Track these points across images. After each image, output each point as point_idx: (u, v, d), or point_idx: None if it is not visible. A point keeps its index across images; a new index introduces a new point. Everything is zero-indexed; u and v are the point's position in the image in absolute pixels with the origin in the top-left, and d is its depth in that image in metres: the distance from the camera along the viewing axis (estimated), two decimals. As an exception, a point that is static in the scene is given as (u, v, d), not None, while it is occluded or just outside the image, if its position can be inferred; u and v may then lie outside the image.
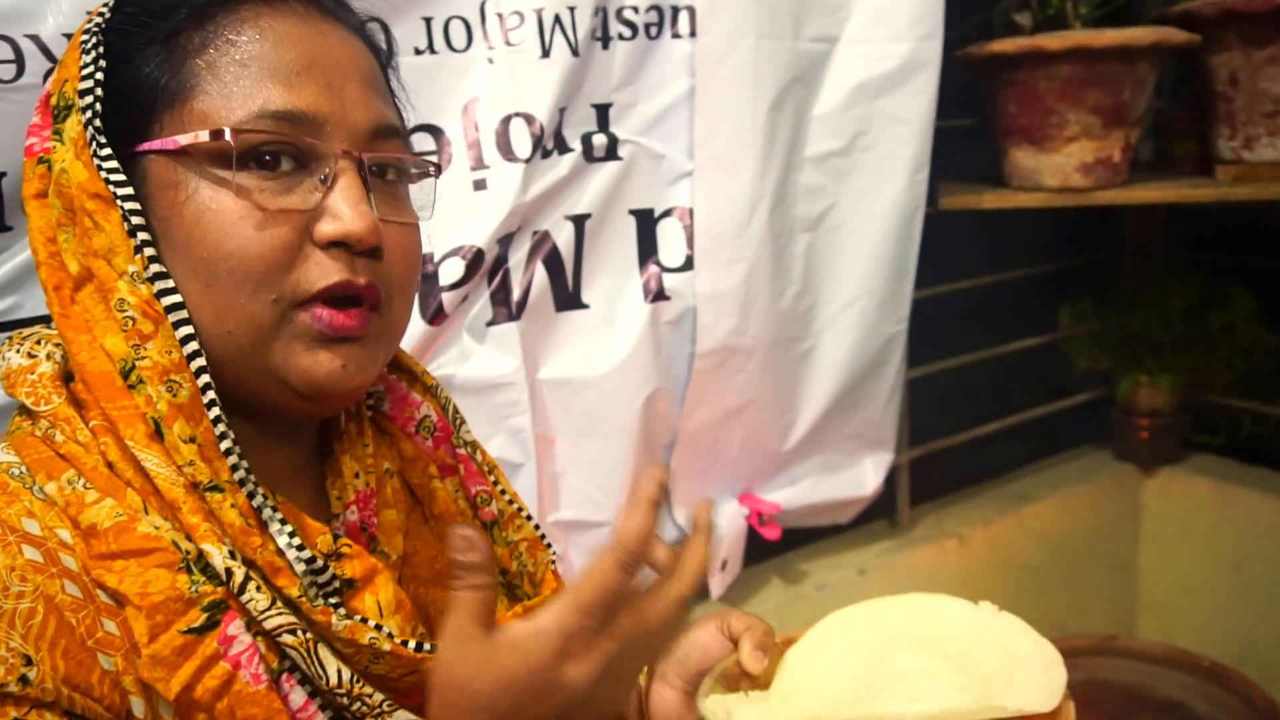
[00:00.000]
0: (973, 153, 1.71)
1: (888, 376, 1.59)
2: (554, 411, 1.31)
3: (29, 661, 0.51)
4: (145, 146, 0.59)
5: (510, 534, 0.77)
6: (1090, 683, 1.50)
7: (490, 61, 1.18)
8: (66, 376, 0.62)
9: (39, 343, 0.63)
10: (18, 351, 0.63)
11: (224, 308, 0.59)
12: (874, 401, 1.60)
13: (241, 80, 0.59)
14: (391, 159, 0.65)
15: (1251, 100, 1.54)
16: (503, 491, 0.78)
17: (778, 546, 1.62)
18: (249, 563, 0.57)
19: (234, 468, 0.58)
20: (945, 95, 1.45)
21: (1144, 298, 1.98)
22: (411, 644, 0.61)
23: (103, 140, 0.59)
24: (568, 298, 1.31)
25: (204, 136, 0.58)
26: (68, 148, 0.59)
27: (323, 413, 0.67)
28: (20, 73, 0.85)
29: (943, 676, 0.69)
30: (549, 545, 0.79)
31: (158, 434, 0.58)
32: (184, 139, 0.59)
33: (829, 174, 1.44)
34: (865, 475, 1.64)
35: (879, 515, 1.78)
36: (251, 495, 0.59)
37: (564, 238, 1.28)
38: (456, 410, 0.80)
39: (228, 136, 0.58)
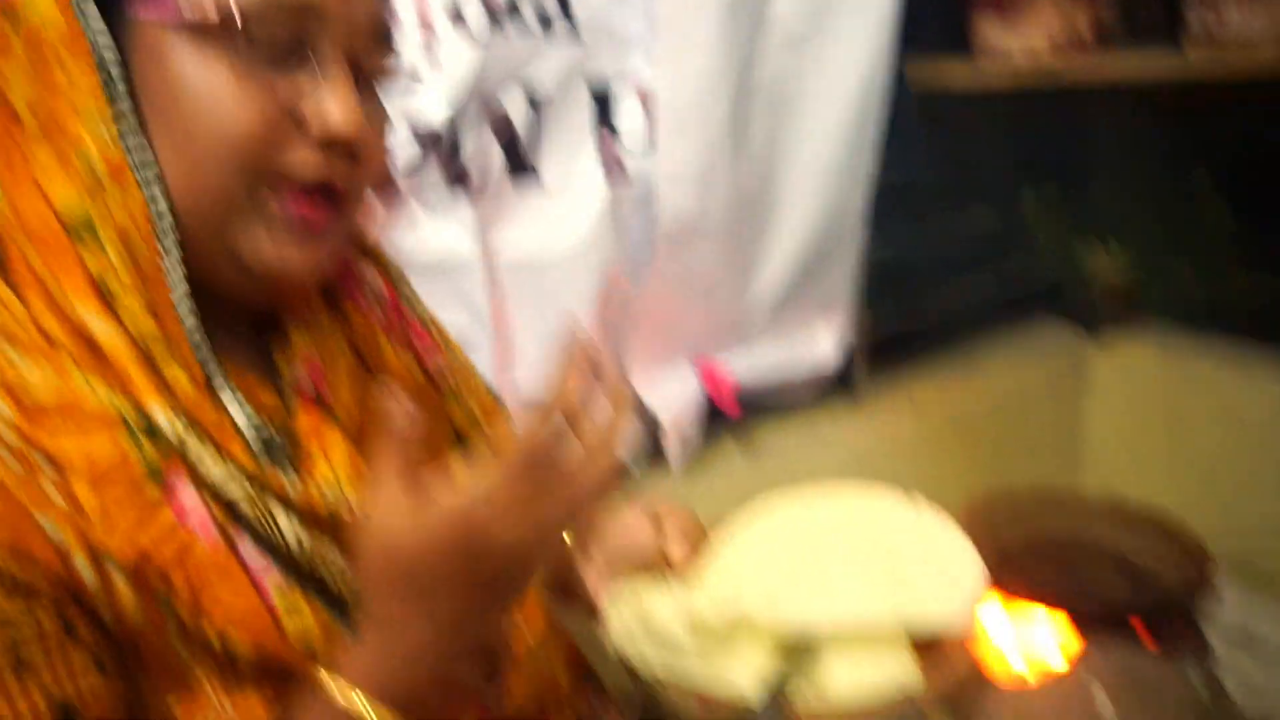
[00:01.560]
0: (938, 24, 1.65)
1: (847, 249, 1.61)
2: (511, 293, 1.32)
3: None
4: (139, 12, 0.57)
5: (465, 396, 0.77)
6: (1033, 534, 1.55)
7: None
8: None
9: None
10: None
11: (198, 178, 0.57)
12: (833, 272, 1.62)
13: None
14: (384, 65, 0.64)
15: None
16: (450, 347, 0.78)
17: (736, 422, 1.63)
18: (202, 432, 0.57)
19: (190, 332, 0.58)
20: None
21: (1101, 166, 1.96)
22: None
23: None
24: (524, 176, 1.29)
25: (211, 13, 0.56)
26: None
27: (270, 298, 0.66)
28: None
29: (865, 585, 0.69)
30: (503, 406, 0.79)
31: (102, 295, 0.56)
32: (188, 10, 0.56)
33: (792, 46, 1.43)
34: (822, 344, 1.67)
35: (837, 387, 1.79)
36: (205, 367, 0.59)
37: (517, 113, 1.26)
38: (401, 274, 0.79)
39: (236, 20, 0.56)
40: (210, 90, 0.57)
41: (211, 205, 0.58)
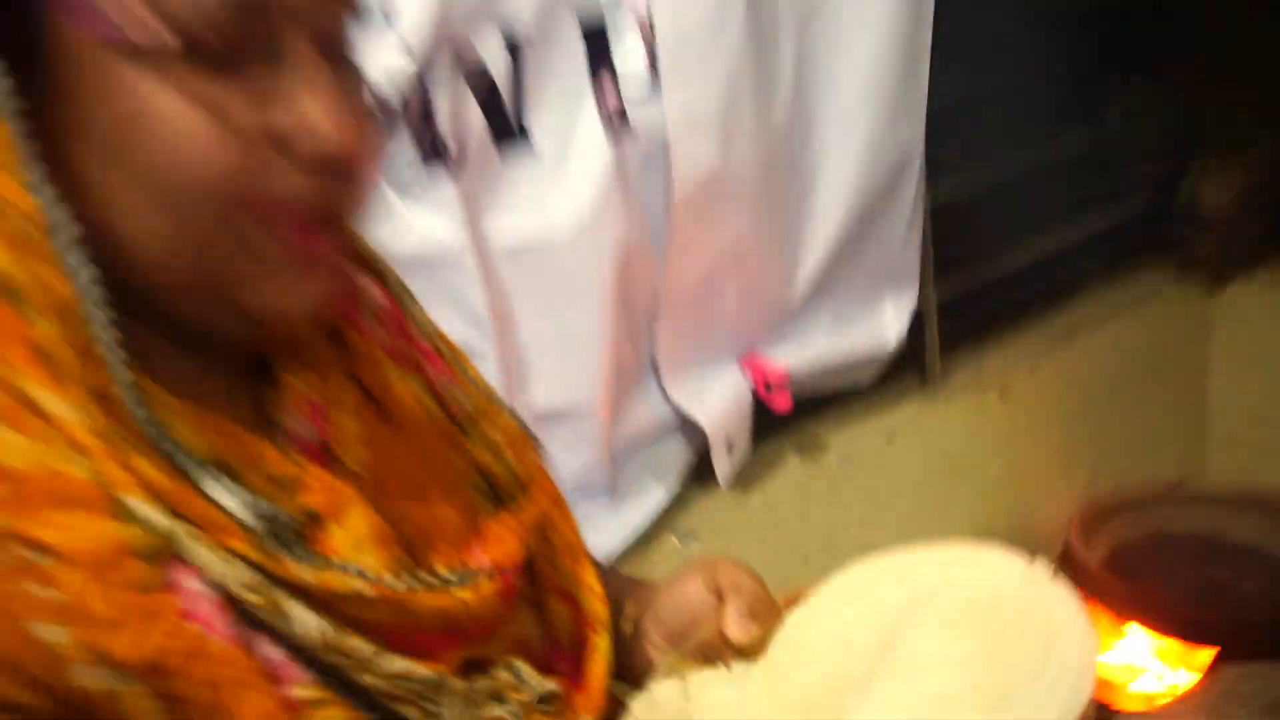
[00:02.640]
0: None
1: (905, 202, 1.58)
2: (509, 283, 1.29)
3: None
4: (60, 16, 0.54)
5: (488, 431, 0.76)
6: (1157, 534, 1.54)
7: None
8: None
9: None
10: None
11: (171, 227, 0.56)
12: (890, 234, 1.60)
13: None
14: (351, 29, 0.62)
15: None
16: (474, 380, 0.77)
17: (791, 415, 1.62)
18: (189, 525, 0.55)
19: (150, 436, 0.56)
20: None
21: (1210, 66, 1.94)
22: (397, 582, 0.60)
23: None
24: (510, 139, 1.27)
25: (161, 33, 0.53)
26: None
27: (280, 341, 0.66)
28: None
29: (955, 673, 0.66)
30: (535, 439, 0.78)
31: (48, 364, 0.54)
32: (119, 17, 0.53)
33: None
34: (887, 324, 1.66)
35: (906, 370, 1.79)
36: (173, 459, 0.57)
37: (495, 62, 1.23)
38: (401, 285, 0.78)
39: (190, 32, 0.54)
40: (170, 124, 0.54)
41: (195, 256, 0.57)
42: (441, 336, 0.79)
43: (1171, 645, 1.40)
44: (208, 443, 0.60)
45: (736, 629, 0.74)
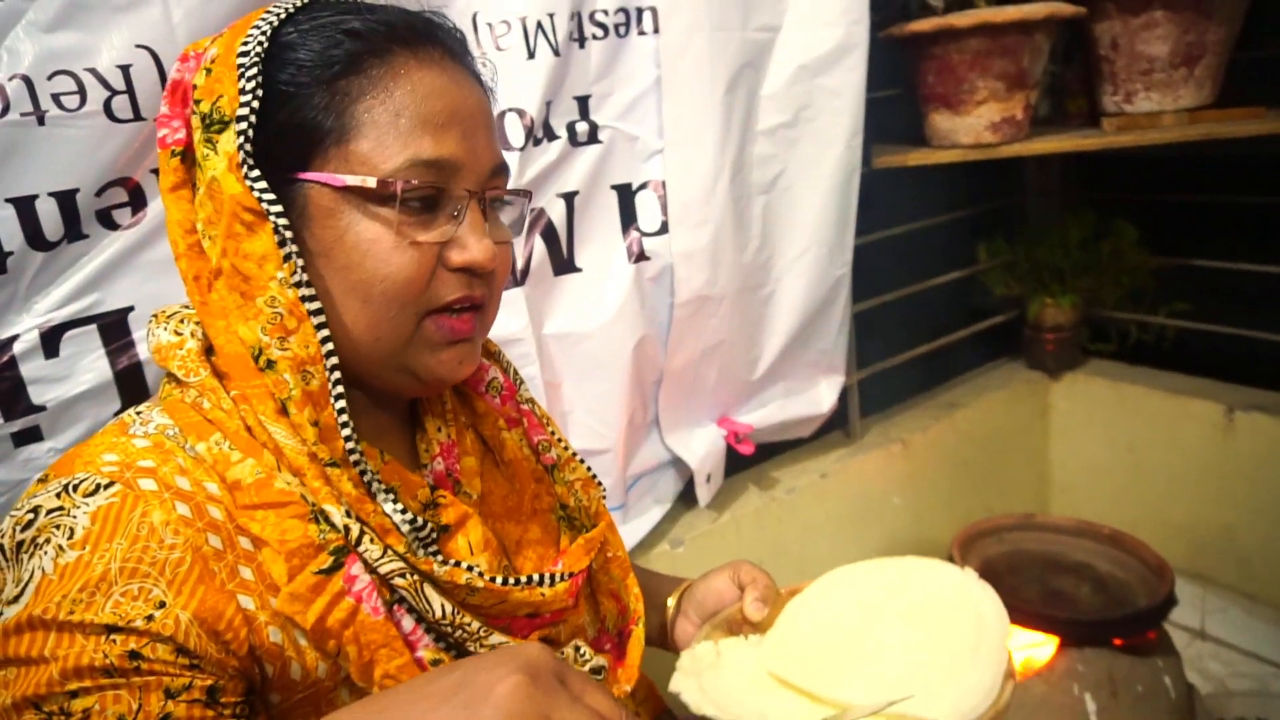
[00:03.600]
0: (899, 118, 1.68)
1: (837, 312, 1.58)
2: (559, 360, 1.31)
3: (162, 605, 0.51)
4: (309, 177, 0.58)
5: (568, 474, 0.76)
6: (1014, 553, 1.52)
7: (484, 65, 1.15)
8: (206, 352, 0.61)
9: (182, 322, 0.62)
10: (165, 329, 0.62)
11: (376, 320, 0.59)
12: (826, 333, 1.60)
13: (397, 128, 0.58)
14: (503, 194, 0.66)
15: (1130, 61, 1.52)
16: (560, 439, 0.77)
17: (752, 459, 1.62)
18: (363, 523, 0.57)
19: (350, 450, 0.58)
20: (874, 70, 1.43)
21: (1047, 232, 1.97)
22: (499, 580, 0.61)
23: (252, 163, 0.58)
24: (563, 263, 1.29)
25: (371, 182, 0.57)
26: (221, 159, 0.58)
27: (434, 393, 0.69)
28: (83, 102, 0.82)
29: (913, 651, 0.65)
30: (599, 483, 0.78)
31: (284, 411, 0.57)
32: (351, 179, 0.58)
33: (779, 144, 1.42)
34: (822, 395, 1.64)
35: (835, 428, 1.79)
36: (362, 471, 0.59)
37: (557, 213, 1.26)
38: (517, 373, 0.79)
39: (393, 184, 0.58)
40: (377, 248, 0.58)
41: (389, 339, 0.60)
42: (537, 406, 0.79)
43: (1027, 636, 1.39)
44: (385, 476, 0.62)
45: (753, 610, 0.74)
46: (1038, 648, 1.34)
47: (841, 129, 1.44)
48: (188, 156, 0.62)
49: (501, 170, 0.64)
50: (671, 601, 0.83)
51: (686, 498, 1.55)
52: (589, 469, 0.77)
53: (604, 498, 0.78)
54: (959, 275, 1.96)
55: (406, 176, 0.58)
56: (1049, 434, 2.07)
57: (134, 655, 0.50)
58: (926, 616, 0.69)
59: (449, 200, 0.61)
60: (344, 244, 0.58)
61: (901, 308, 1.82)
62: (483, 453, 0.73)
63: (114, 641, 0.50)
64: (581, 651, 0.68)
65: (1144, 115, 1.54)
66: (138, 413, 0.61)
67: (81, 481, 0.55)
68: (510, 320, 1.22)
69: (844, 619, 0.71)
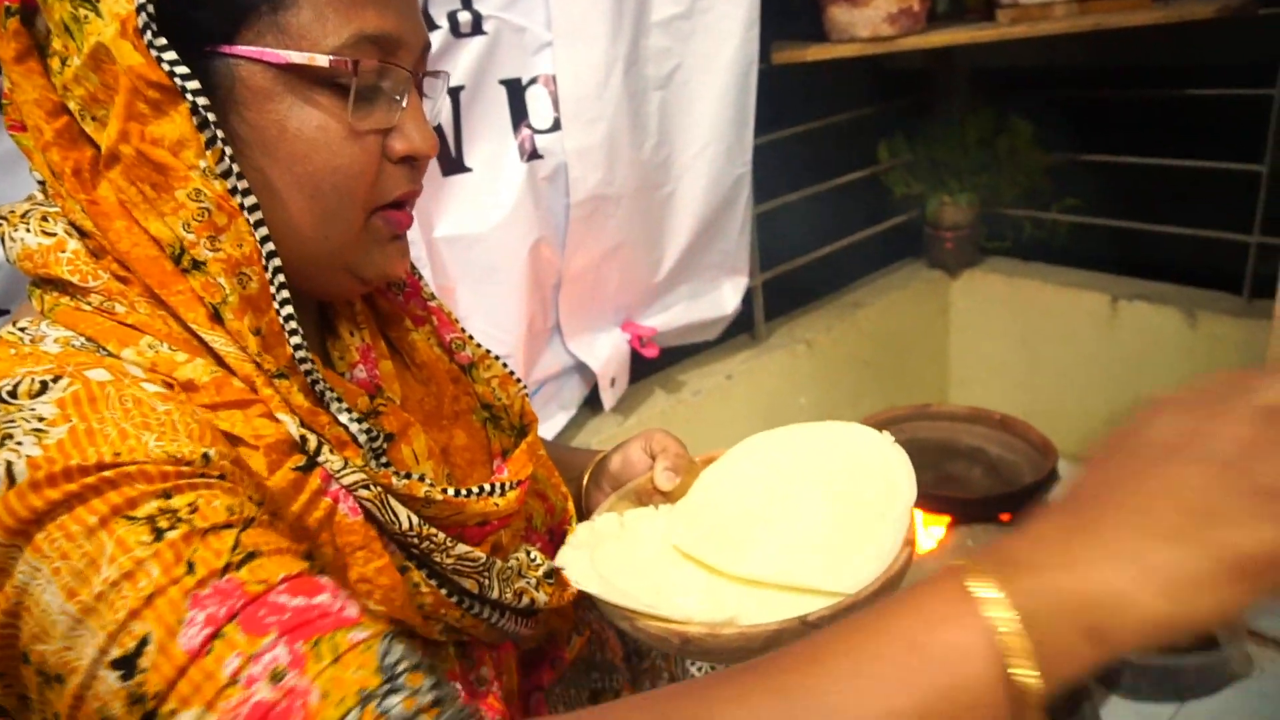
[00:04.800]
0: (798, 14, 1.63)
1: (738, 212, 1.56)
2: (451, 265, 1.26)
3: (205, 456, 0.46)
4: (239, 52, 0.50)
5: (484, 372, 0.72)
6: (910, 441, 1.55)
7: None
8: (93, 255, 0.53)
9: (45, 219, 0.52)
10: (26, 231, 0.52)
11: (325, 217, 0.53)
12: (728, 234, 1.58)
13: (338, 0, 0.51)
14: (435, 74, 0.61)
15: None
16: (471, 337, 0.74)
17: (657, 363, 1.61)
18: (319, 436, 0.53)
19: (301, 359, 0.53)
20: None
21: (946, 132, 1.97)
22: (452, 491, 0.59)
23: (157, 28, 0.48)
24: (452, 163, 1.24)
25: (321, 61, 0.50)
26: (109, 22, 0.48)
27: (360, 295, 0.64)
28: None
29: (821, 519, 0.63)
30: (518, 379, 0.74)
31: (217, 319, 0.51)
32: (296, 57, 0.50)
33: (674, 36, 1.37)
34: (725, 297, 1.63)
35: (740, 330, 1.78)
36: (314, 381, 0.54)
37: (443, 109, 1.19)
38: (415, 267, 0.75)
39: (344, 64, 0.51)
40: (324, 137, 0.52)
41: (339, 236, 0.54)
42: (441, 302, 0.75)
43: (922, 517, 1.42)
44: (330, 383, 0.57)
45: (663, 478, 0.72)
46: (931, 527, 1.37)
47: (737, 21, 1.39)
48: (29, 17, 0.52)
49: (429, 48, 0.59)
50: (588, 472, 0.80)
51: (592, 403, 1.54)
52: (505, 365, 0.73)
53: (525, 393, 0.74)
54: (860, 175, 1.95)
55: (352, 55, 0.51)
56: (948, 330, 2.11)
57: (205, 458, 0.45)
58: (839, 482, 0.66)
59: (392, 84, 0.54)
60: (286, 133, 0.51)
61: (804, 209, 1.81)
62: (399, 362, 0.69)
63: (176, 459, 0.44)
64: (533, 556, 0.66)
65: (1037, 6, 1.52)
66: (20, 329, 0.51)
67: (16, 384, 0.45)
68: (397, 223, 1.16)
69: (756, 487, 0.68)
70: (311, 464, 0.52)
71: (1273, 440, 0.34)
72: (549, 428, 1.44)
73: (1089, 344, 1.88)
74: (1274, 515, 0.33)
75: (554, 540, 0.74)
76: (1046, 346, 1.96)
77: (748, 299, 1.70)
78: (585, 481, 0.80)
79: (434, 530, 0.57)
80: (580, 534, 0.67)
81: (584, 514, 0.81)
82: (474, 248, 1.26)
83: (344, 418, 0.55)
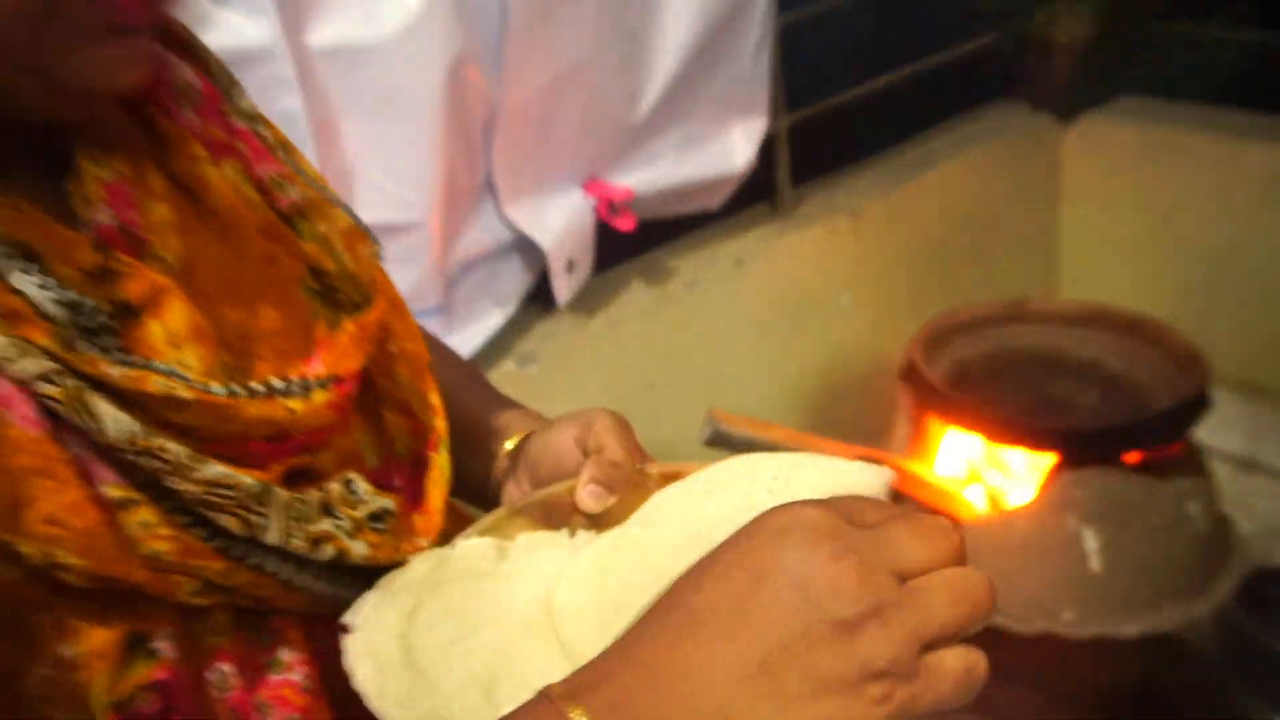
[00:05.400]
0: None
1: (753, 20, 1.55)
2: (332, 89, 1.25)
3: None
4: None
5: (320, 225, 0.71)
6: (998, 352, 1.56)
7: None
8: None
9: None
10: None
11: None
12: (738, 55, 1.57)
13: None
14: None
15: None
16: (306, 175, 0.72)
17: (637, 242, 1.61)
18: None
19: None
20: None
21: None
22: (220, 389, 0.58)
23: None
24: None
25: None
26: None
27: (85, 114, 0.62)
28: None
29: None
30: (373, 238, 0.72)
31: None
32: None
33: None
34: (734, 148, 1.63)
35: (756, 197, 1.77)
36: None
37: None
38: (223, 67, 0.73)
39: None
40: None
41: (9, 17, 0.52)
42: (269, 125, 0.74)
43: (1013, 455, 1.43)
44: (8, 230, 0.56)
45: (587, 496, 0.70)
46: (1025, 472, 1.39)
47: None
48: None
49: None
50: (510, 445, 0.81)
51: (541, 297, 1.54)
52: (357, 220, 0.72)
53: (379, 256, 0.73)
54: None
55: None
56: (1058, 198, 2.10)
57: None
58: None
59: None
60: None
61: (850, 21, 1.79)
62: (185, 205, 0.67)
63: None
64: (354, 488, 0.66)
65: None
66: None
67: None
68: (248, 25, 1.16)
69: (718, 534, 0.66)
70: None
71: (891, 620, 0.46)
72: (477, 330, 1.45)
73: (1258, 220, 1.88)
74: (873, 700, 0.45)
75: (417, 473, 0.73)
76: (1197, 223, 1.96)
77: (766, 152, 1.69)
78: (503, 466, 0.80)
79: (162, 443, 0.56)
80: (416, 568, 0.64)
81: (491, 501, 0.80)
82: (365, 65, 1.25)
83: (20, 278, 0.54)
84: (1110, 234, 2.08)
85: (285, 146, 0.74)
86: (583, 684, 0.49)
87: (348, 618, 0.60)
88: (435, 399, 0.75)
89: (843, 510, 0.50)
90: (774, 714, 0.46)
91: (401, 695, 0.57)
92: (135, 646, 0.55)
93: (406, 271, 1.34)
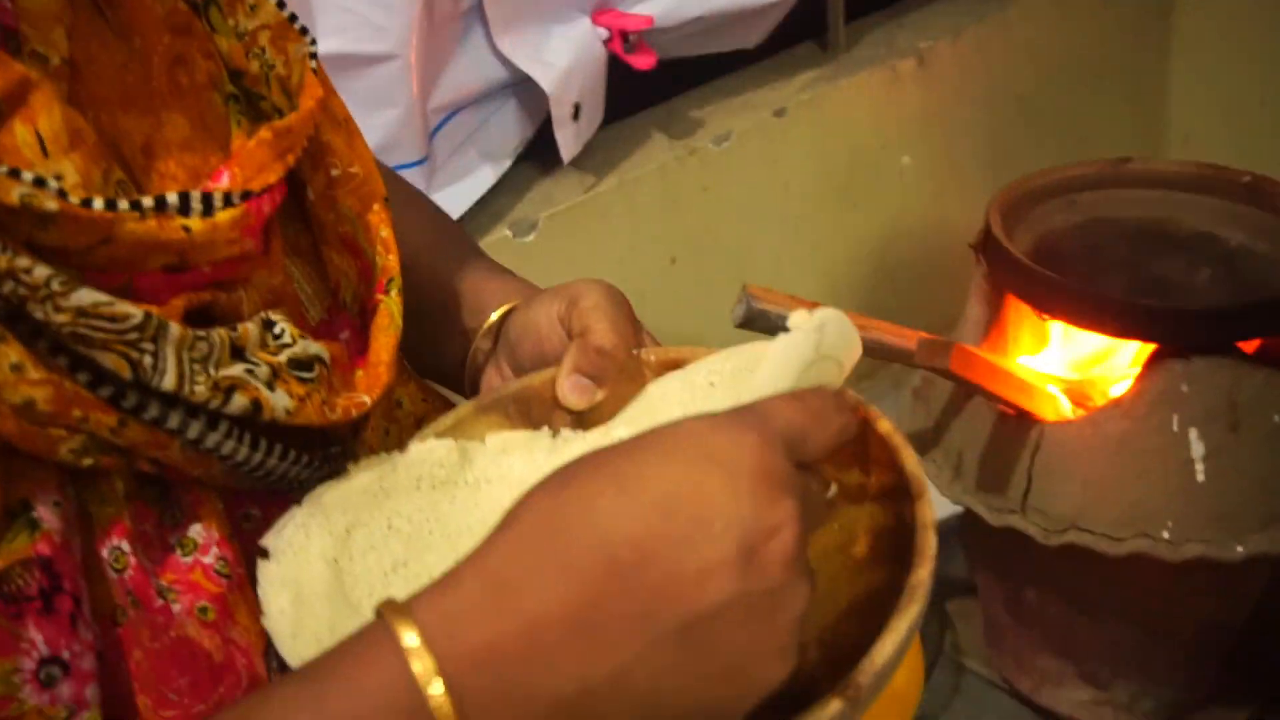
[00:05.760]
0: None
1: None
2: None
3: None
4: None
5: (242, 18, 0.71)
6: (1093, 223, 1.53)
7: None
8: None
9: None
10: None
11: None
12: None
13: None
14: None
15: None
16: None
17: (658, 85, 1.61)
18: None
19: None
20: None
21: None
22: (98, 203, 0.57)
23: None
24: None
25: None
26: None
27: None
28: None
29: None
30: (304, 30, 0.72)
31: None
32: None
33: None
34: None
35: (803, 34, 1.77)
36: None
37: None
38: None
39: None
40: None
41: None
42: None
43: (1104, 344, 1.40)
44: None
45: (569, 390, 0.71)
46: (1119, 364, 1.36)
47: None
48: None
49: None
50: (490, 322, 0.82)
51: (541, 150, 1.54)
52: (289, 12, 0.71)
53: (313, 56, 0.72)
54: None
55: None
56: (1169, 41, 2.10)
57: None
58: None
59: None
60: None
61: None
62: None
63: None
64: (276, 329, 0.65)
65: None
66: None
67: None
68: None
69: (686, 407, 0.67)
70: None
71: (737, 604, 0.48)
72: (465, 188, 1.45)
73: None
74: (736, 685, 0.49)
75: (364, 320, 0.74)
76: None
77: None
78: (482, 347, 0.81)
79: (24, 262, 0.55)
80: (356, 477, 0.63)
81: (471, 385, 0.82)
82: None
83: None
84: (1228, 82, 2.07)
85: None
86: (425, 593, 0.50)
87: (266, 540, 0.59)
88: (387, 232, 0.75)
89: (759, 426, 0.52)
90: (640, 619, 0.48)
91: (321, 634, 0.55)
92: (16, 517, 0.55)
93: (379, 115, 1.33)
